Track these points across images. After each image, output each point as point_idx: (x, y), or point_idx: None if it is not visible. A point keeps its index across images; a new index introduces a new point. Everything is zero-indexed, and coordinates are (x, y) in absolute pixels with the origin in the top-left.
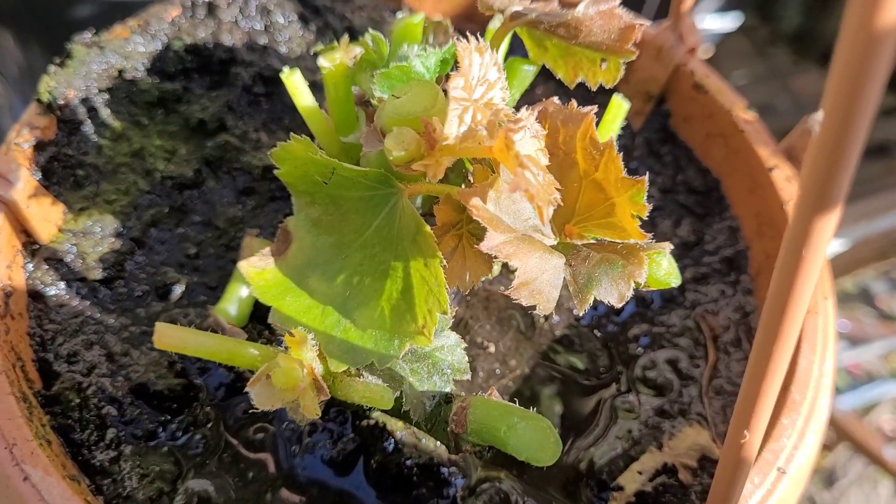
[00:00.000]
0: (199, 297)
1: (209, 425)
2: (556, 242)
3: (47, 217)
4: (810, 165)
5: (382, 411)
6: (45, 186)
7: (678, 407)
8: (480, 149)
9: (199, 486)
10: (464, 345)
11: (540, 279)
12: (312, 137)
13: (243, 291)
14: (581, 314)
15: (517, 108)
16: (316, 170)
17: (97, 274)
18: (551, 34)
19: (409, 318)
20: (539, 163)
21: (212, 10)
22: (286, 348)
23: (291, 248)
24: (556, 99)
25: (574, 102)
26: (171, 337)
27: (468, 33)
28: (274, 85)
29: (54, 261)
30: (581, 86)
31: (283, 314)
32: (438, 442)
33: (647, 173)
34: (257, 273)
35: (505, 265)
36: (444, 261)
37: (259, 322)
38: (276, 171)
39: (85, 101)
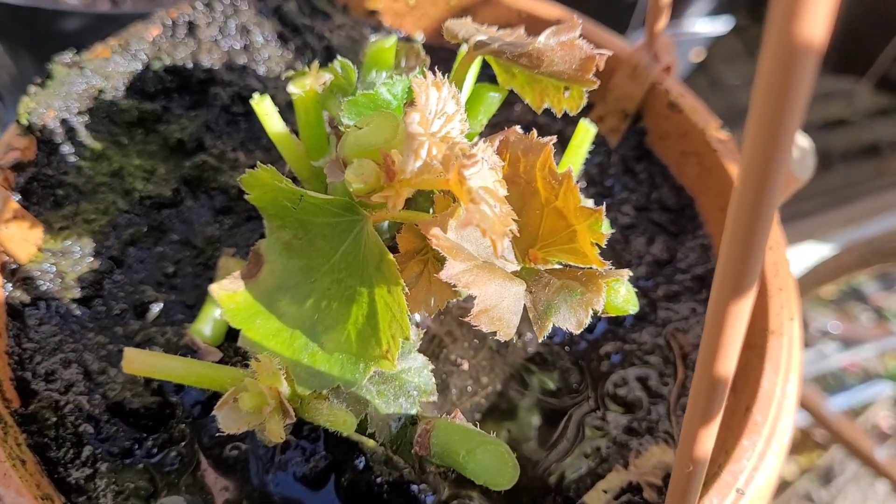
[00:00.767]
0: (177, 316)
1: (184, 443)
2: (518, 268)
3: (26, 237)
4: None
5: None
6: (25, 206)
7: (646, 424)
8: (437, 181)
9: (173, 503)
10: (431, 366)
11: (499, 306)
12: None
13: (218, 312)
14: (540, 340)
15: (490, 129)
16: (284, 196)
17: (76, 293)
18: (515, 63)
19: (373, 343)
20: (496, 194)
21: (192, 29)
22: (254, 372)
23: (263, 270)
24: (518, 128)
25: (535, 133)
26: (140, 362)
27: (426, 70)
28: None
29: (33, 280)
30: None
31: (251, 339)
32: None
33: (623, 191)
34: (228, 296)
35: None
36: (407, 288)
37: (234, 340)
38: (246, 196)
39: (65, 121)
